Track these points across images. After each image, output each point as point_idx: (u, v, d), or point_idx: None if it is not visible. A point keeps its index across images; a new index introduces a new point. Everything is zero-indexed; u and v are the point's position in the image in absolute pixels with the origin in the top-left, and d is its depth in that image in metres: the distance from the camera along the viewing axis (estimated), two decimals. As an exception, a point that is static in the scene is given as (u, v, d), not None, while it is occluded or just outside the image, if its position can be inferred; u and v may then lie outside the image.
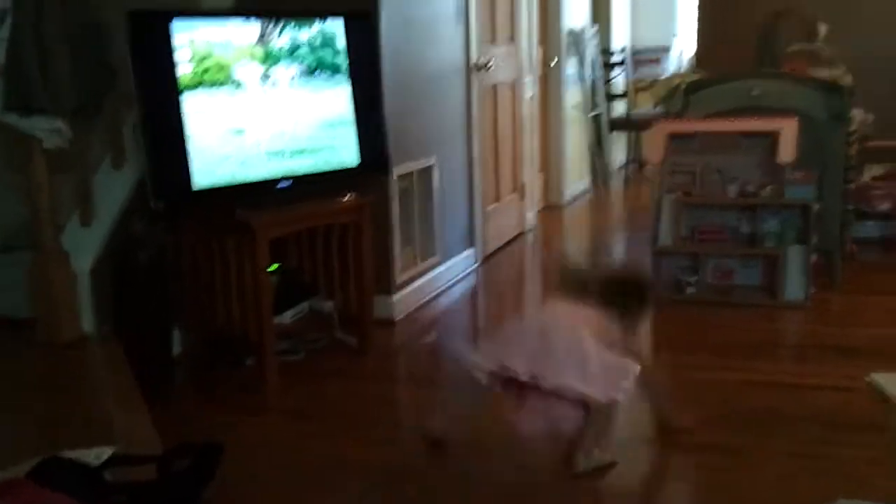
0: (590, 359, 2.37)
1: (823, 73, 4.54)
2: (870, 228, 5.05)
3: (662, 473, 2.60)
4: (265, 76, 3.20)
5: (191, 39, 2.97)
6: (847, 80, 4.48)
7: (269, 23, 3.21)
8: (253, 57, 3.17)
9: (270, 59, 3.21)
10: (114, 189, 3.25)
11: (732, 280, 4.22)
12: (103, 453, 2.04)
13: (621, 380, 2.37)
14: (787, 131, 3.93)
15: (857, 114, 4.50)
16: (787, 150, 3.91)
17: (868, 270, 4.63)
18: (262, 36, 3.19)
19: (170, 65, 2.91)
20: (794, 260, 3.98)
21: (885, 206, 4.84)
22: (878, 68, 5.05)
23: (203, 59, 3.01)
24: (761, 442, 2.66)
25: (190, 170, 2.97)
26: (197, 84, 2.99)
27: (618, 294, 2.63)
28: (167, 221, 3.16)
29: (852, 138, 4.43)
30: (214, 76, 3.06)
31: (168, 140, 2.94)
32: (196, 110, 2.99)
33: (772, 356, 3.52)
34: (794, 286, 4.00)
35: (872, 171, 4.95)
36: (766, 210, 4.07)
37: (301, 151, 3.31)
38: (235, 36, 3.13)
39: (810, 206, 3.95)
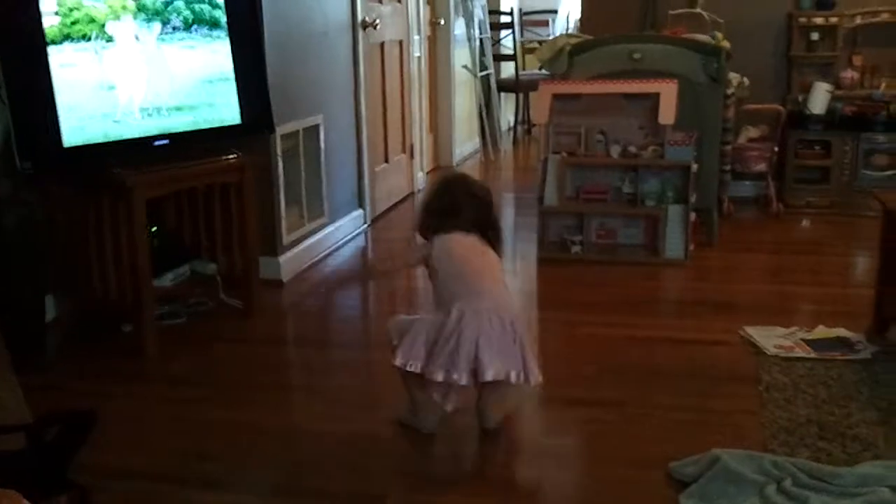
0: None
1: (703, 37, 4.65)
2: (746, 188, 5.26)
3: (547, 427, 2.64)
4: (139, 30, 3.07)
5: (57, -11, 2.82)
6: (725, 44, 4.60)
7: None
8: (125, 10, 3.02)
9: (144, 12, 3.07)
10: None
11: (616, 239, 4.32)
12: (-33, 425, 1.94)
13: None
14: (667, 93, 4.02)
15: (734, 77, 4.64)
16: (667, 112, 4.00)
17: (744, 228, 4.82)
18: (135, -12, 3.05)
19: (34, 17, 2.75)
20: (675, 219, 4.10)
21: (760, 167, 5.03)
22: (753, 35, 5.20)
23: (71, 10, 2.86)
24: (641, 395, 2.74)
25: (59, 127, 2.82)
26: (65, 37, 2.84)
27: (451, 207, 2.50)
28: (36, 182, 3.00)
29: (729, 101, 4.57)
30: (84, 29, 2.91)
31: (34, 96, 2.79)
32: (64, 65, 2.84)
33: (653, 312, 3.63)
34: (675, 244, 4.12)
35: (748, 132, 5.12)
36: (647, 171, 4.16)
37: (179, 109, 3.19)
38: (106, -13, 2.98)
39: (690, 166, 4.06)
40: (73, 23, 2.87)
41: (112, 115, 3.00)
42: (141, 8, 3.06)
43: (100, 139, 2.95)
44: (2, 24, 2.71)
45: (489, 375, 2.28)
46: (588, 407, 2.68)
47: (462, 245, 2.46)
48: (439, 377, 2.29)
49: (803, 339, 3.11)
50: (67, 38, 2.85)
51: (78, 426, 1.97)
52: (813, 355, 2.98)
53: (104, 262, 3.10)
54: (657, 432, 2.50)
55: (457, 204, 2.50)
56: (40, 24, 2.78)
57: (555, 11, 9.00)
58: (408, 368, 2.34)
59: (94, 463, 2.11)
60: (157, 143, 3.12)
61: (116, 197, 2.98)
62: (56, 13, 2.82)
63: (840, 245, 4.52)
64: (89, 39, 2.91)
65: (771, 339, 3.11)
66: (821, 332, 3.18)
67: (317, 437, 2.51)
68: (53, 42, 2.81)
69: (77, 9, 2.88)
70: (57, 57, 2.82)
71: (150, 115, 3.10)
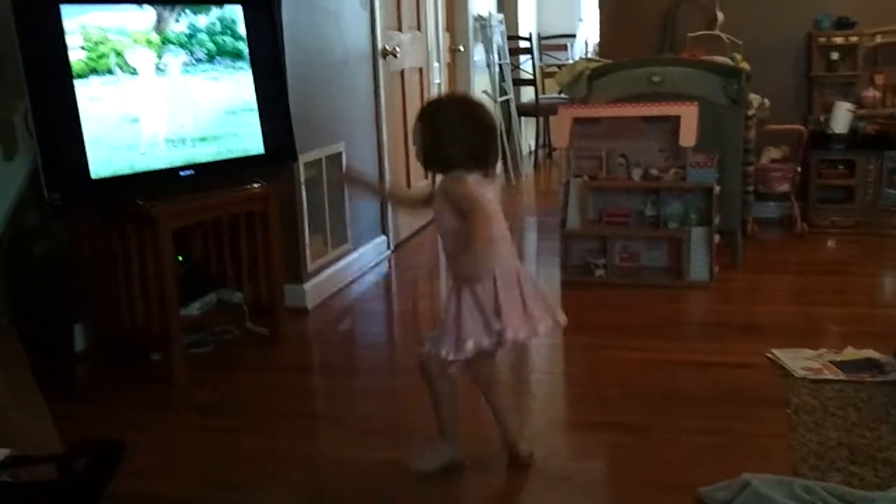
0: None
1: (722, 59, 4.65)
2: (769, 209, 5.23)
3: (572, 452, 2.63)
4: (163, 63, 3.12)
5: (82, 25, 2.87)
6: (745, 66, 4.60)
7: (165, 8, 3.12)
8: (150, 43, 3.08)
9: (168, 45, 3.13)
10: (6, 181, 3.12)
11: (639, 262, 4.30)
12: (-1, 455, 1.96)
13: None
14: (688, 116, 4.02)
15: (755, 98, 4.63)
16: (687, 135, 3.99)
17: (768, 249, 4.79)
18: (158, 22, 3.10)
19: (60, 51, 2.81)
20: (698, 241, 4.08)
21: (783, 188, 5.01)
22: (773, 56, 5.20)
23: (97, 44, 2.91)
24: (668, 419, 2.72)
25: (86, 159, 2.87)
26: (91, 71, 2.89)
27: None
28: (64, 213, 3.05)
29: (750, 122, 4.56)
30: (110, 63, 2.96)
31: (62, 129, 2.83)
32: (91, 98, 2.89)
33: (677, 335, 3.60)
34: (699, 266, 4.10)
35: (770, 153, 5.11)
36: (669, 193, 4.15)
37: (203, 139, 3.23)
38: (130, 22, 3.03)
39: (712, 188, 4.05)
40: (100, 57, 2.93)
41: (137, 147, 3.04)
42: (165, 41, 3.11)
43: (126, 171, 3.00)
44: (31, 59, 2.77)
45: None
46: (613, 431, 2.67)
47: (487, 199, 2.26)
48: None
49: (831, 361, 3.08)
50: (94, 71, 2.90)
51: (107, 456, 1.98)
52: (842, 377, 2.95)
53: (132, 292, 3.13)
54: (684, 456, 2.48)
55: (482, 142, 2.26)
56: (67, 58, 2.83)
57: (573, 36, 9.05)
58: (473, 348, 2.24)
59: (121, 491, 2.12)
60: (182, 173, 3.15)
61: (143, 227, 3.02)
62: (83, 47, 2.87)
63: (866, 265, 4.48)
64: (115, 73, 2.96)
65: (798, 361, 3.08)
66: (849, 353, 3.15)
67: (340, 466, 2.51)
68: (80, 76, 2.86)
69: (102, 43, 2.93)
70: (84, 90, 2.87)
71: (174, 146, 3.14)
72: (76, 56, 2.85)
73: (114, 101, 2.97)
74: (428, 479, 2.42)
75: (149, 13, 3.08)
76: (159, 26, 3.10)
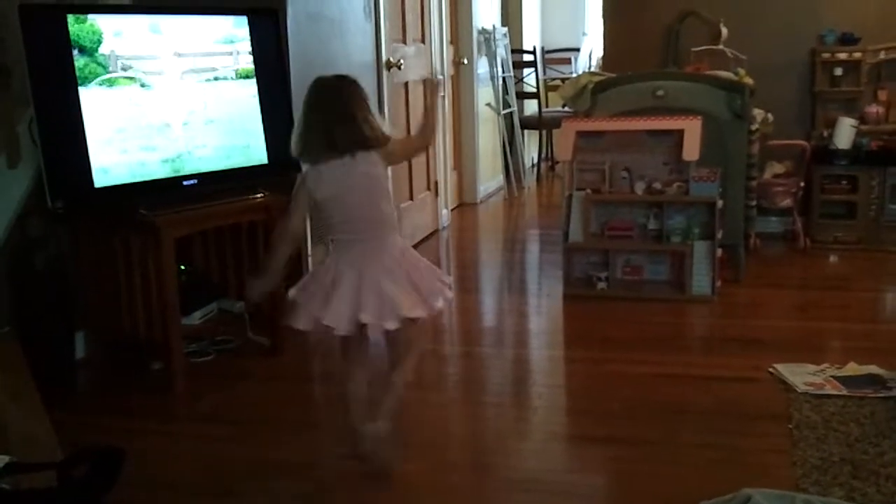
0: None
1: (726, 74, 4.66)
2: (772, 224, 5.23)
3: (573, 465, 2.62)
4: (168, 72, 3.12)
5: (87, 33, 2.88)
6: (748, 80, 4.61)
7: (170, 19, 3.13)
8: (154, 53, 3.09)
9: (173, 55, 3.13)
10: (9, 189, 3.12)
11: (642, 275, 4.30)
12: (-1, 462, 1.95)
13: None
14: (691, 130, 4.02)
15: (758, 113, 4.64)
16: (691, 149, 3.99)
17: (770, 264, 4.78)
18: (162, 32, 3.11)
19: (66, 60, 2.82)
20: (701, 255, 4.08)
21: (785, 202, 5.00)
22: (776, 71, 5.21)
23: (102, 54, 2.92)
24: (669, 433, 2.71)
25: (90, 168, 2.87)
26: (96, 79, 2.90)
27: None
28: (67, 221, 3.05)
29: (754, 137, 4.56)
30: (115, 71, 2.97)
31: (66, 137, 2.84)
32: (96, 106, 2.90)
33: (680, 349, 3.59)
34: (701, 280, 4.09)
35: (773, 168, 5.11)
36: (672, 207, 4.15)
37: (207, 149, 3.24)
38: (135, 31, 3.04)
39: (715, 202, 4.05)
40: (104, 65, 2.93)
41: (143, 155, 3.04)
42: (170, 51, 3.12)
43: (129, 179, 3.00)
44: (36, 69, 2.78)
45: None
46: (614, 445, 2.66)
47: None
48: None
49: (834, 377, 3.07)
50: (98, 79, 2.91)
51: (107, 464, 1.98)
52: (844, 392, 2.94)
53: (133, 301, 3.13)
54: (684, 471, 2.47)
55: None
56: (72, 67, 2.84)
57: (577, 49, 9.05)
58: None
59: (120, 500, 2.12)
60: (185, 182, 3.16)
61: (145, 236, 3.02)
62: (88, 55, 2.88)
63: (869, 280, 4.47)
64: (119, 82, 2.97)
65: (801, 376, 3.07)
66: (852, 368, 3.14)
67: (342, 475, 2.50)
68: (85, 83, 2.87)
69: (107, 52, 2.94)
70: (88, 98, 2.88)
71: (178, 155, 3.15)
72: (82, 64, 2.86)
73: (119, 110, 2.98)
74: (432, 491, 2.41)
75: (153, 22, 3.09)
76: (164, 36, 3.11)
